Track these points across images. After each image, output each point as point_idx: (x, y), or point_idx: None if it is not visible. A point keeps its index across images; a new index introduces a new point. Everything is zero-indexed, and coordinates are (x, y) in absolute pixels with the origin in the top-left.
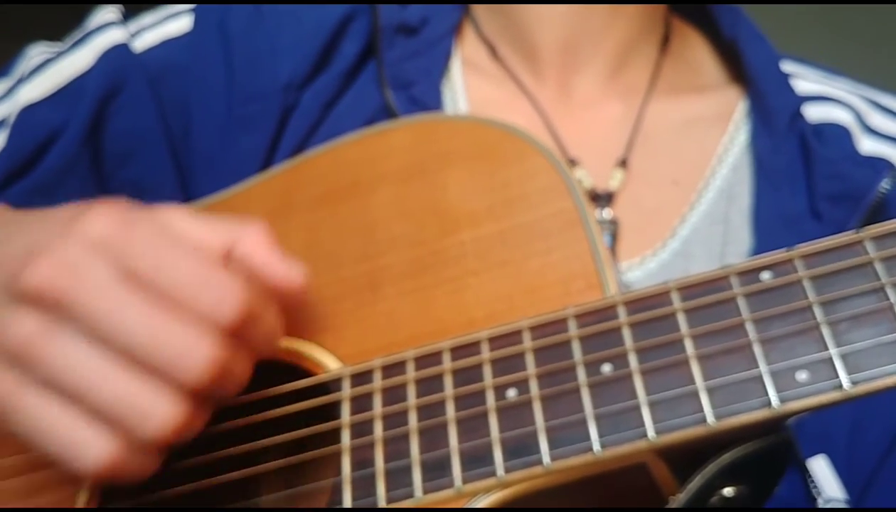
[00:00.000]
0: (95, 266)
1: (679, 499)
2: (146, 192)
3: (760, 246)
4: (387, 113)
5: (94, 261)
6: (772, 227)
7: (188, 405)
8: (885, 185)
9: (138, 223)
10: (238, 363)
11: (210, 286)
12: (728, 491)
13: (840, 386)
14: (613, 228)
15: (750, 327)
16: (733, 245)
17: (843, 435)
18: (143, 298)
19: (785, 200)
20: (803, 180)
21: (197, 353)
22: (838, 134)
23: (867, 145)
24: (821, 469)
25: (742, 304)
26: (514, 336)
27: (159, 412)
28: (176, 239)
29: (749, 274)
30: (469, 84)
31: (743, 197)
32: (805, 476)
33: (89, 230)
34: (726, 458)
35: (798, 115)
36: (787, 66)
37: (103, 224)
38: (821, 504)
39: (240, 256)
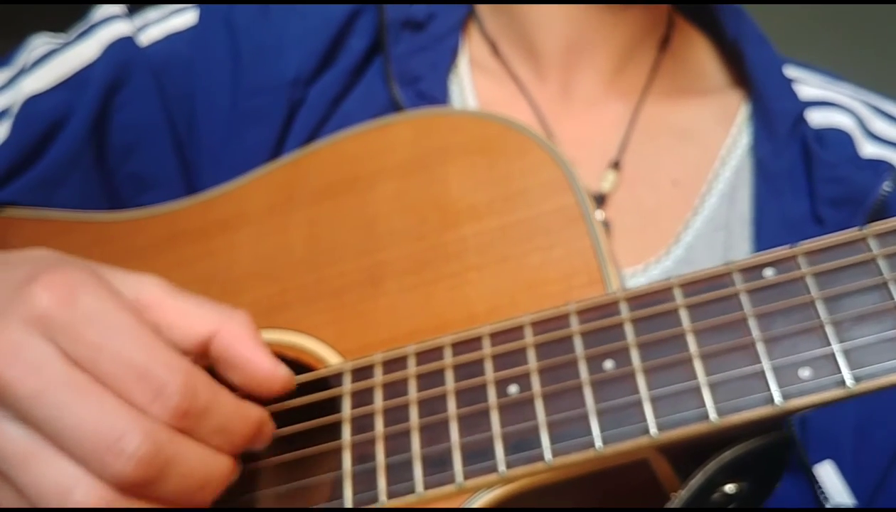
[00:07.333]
0: (33, 345)
1: (681, 496)
2: (150, 186)
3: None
4: (394, 108)
5: (32, 339)
6: (773, 233)
7: (114, 496)
8: (886, 187)
9: (83, 298)
10: (185, 457)
11: (150, 375)
12: (730, 488)
13: (843, 382)
14: (605, 230)
15: (752, 323)
16: (735, 252)
17: (849, 439)
18: (78, 381)
19: (786, 205)
20: (805, 185)
21: (124, 445)
22: (840, 139)
23: (869, 150)
24: (828, 475)
25: (745, 300)
26: (515, 331)
27: (78, 500)
28: (122, 318)
29: (752, 270)
30: (476, 81)
31: (743, 202)
32: (812, 482)
33: (32, 305)
34: (728, 454)
35: (800, 120)
36: (789, 71)
37: (47, 298)
38: None
39: (220, 346)
